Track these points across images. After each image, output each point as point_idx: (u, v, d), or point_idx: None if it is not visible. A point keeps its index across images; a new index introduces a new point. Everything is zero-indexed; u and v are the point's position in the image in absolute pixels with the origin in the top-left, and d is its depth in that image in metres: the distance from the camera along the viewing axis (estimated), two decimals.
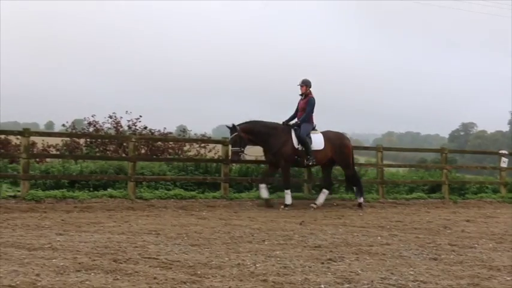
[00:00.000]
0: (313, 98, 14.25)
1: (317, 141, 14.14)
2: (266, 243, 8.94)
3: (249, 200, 14.53)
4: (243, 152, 13.90)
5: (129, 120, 19.37)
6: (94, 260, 7.20)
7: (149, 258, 7.48)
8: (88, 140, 18.16)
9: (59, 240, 8.45)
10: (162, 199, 13.76)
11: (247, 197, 14.74)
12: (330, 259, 7.82)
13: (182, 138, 19.28)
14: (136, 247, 8.19)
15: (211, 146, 18.76)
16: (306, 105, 14.18)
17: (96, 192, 13.76)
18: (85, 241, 8.49)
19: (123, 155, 17.04)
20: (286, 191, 13.92)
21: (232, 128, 13.80)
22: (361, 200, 14.66)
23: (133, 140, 14.13)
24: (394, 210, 14.58)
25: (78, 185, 14.20)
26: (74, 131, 19.24)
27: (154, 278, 6.46)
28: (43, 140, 18.21)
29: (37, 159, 15.85)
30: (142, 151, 17.90)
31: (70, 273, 6.55)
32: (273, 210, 13.26)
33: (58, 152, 17.59)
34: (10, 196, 12.79)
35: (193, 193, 14.47)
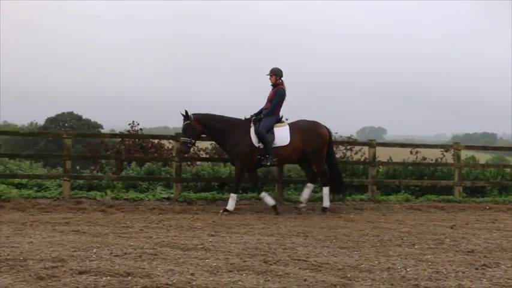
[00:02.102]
0: (283, 89, 12.69)
1: (281, 136, 12.43)
2: (416, 247, 8.76)
3: (397, 202, 14.29)
4: (193, 143, 12.75)
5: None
6: (245, 261, 7.37)
7: (299, 260, 7.55)
8: None
9: (211, 241, 8.71)
10: (310, 201, 13.82)
11: (396, 200, 14.51)
12: (484, 265, 7.54)
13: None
14: (286, 249, 8.29)
15: (357, 148, 18.58)
16: (274, 96, 12.70)
17: (244, 194, 14.05)
18: (236, 242, 8.70)
19: None
20: (232, 194, 12.29)
21: (186, 116, 12.39)
22: (327, 204, 12.75)
23: None
24: None
25: (227, 187, 14.57)
26: None
27: (305, 280, 6.51)
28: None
29: (188, 163, 16.35)
30: None
31: (223, 274, 6.75)
32: (422, 213, 12.95)
33: (208, 156, 18.10)
34: (164, 198, 13.34)
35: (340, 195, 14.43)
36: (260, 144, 12.28)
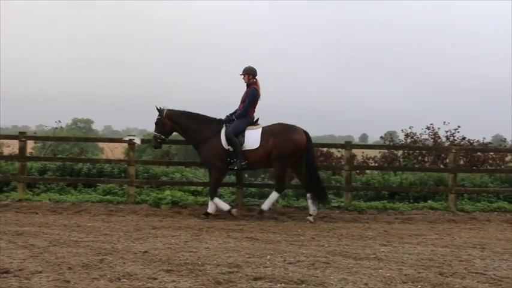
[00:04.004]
0: (255, 89, 12.05)
1: (251, 139, 11.80)
2: None
3: None
4: (164, 140, 12.33)
5: (446, 131, 19.02)
6: (420, 273, 7.24)
7: (476, 273, 7.32)
8: (406, 151, 18.21)
9: (383, 251, 8.63)
10: (485, 212, 13.30)
11: None
12: None
13: (504, 148, 18.43)
14: (462, 261, 8.05)
15: None
16: (246, 96, 12.12)
17: (416, 203, 13.79)
18: (409, 253, 8.56)
19: (441, 166, 16.81)
20: (215, 199, 11.95)
21: (159, 111, 12.20)
22: (313, 211, 11.89)
23: (453, 151, 13.89)
24: None
25: (397, 196, 14.35)
26: (391, 143, 19.43)
27: None
28: (363, 152, 18.67)
29: (357, 171, 16.29)
30: (461, 162, 17.45)
31: (397, 285, 6.68)
32: None
33: (377, 164, 17.92)
34: (334, 206, 13.34)
35: None
36: (229, 147, 11.86)
